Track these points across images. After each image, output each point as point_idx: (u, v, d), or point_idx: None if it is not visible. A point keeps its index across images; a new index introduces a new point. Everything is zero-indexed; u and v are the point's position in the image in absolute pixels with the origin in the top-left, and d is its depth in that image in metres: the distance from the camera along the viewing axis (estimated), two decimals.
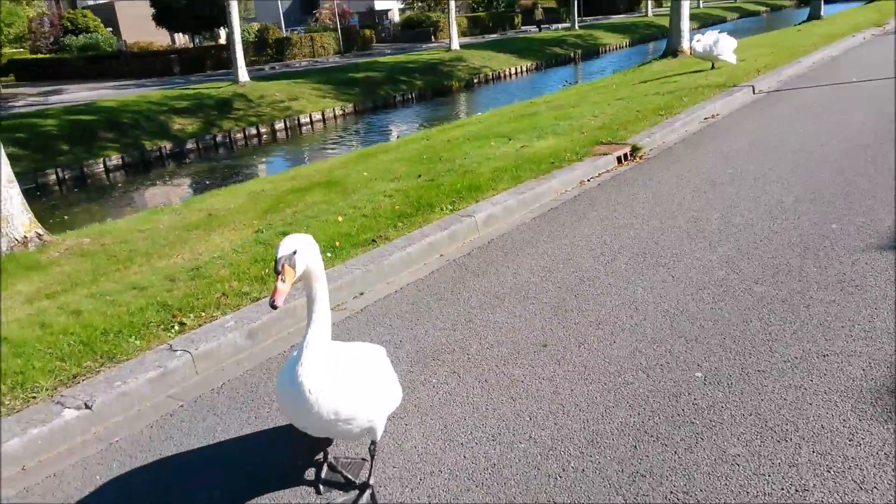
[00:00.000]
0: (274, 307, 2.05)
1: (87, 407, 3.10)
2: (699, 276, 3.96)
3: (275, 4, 54.41)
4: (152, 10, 37.71)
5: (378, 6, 58.00)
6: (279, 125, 22.68)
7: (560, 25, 50.98)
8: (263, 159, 19.09)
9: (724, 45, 12.18)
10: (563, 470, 2.43)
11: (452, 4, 34.54)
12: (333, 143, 19.89)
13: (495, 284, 4.26)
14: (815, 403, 2.61)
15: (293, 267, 2.08)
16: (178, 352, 3.52)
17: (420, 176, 6.92)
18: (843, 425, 2.46)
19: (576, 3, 44.20)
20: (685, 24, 16.01)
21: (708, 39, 12.23)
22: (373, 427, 2.33)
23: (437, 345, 3.54)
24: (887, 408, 2.53)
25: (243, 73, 25.02)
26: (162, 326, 3.82)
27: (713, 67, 12.49)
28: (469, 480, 2.44)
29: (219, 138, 21.20)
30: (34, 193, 16.26)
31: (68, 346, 3.62)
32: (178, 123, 21.13)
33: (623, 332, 3.41)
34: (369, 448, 2.51)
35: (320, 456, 2.64)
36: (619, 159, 7.09)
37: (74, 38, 42.12)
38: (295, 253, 2.09)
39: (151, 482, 2.67)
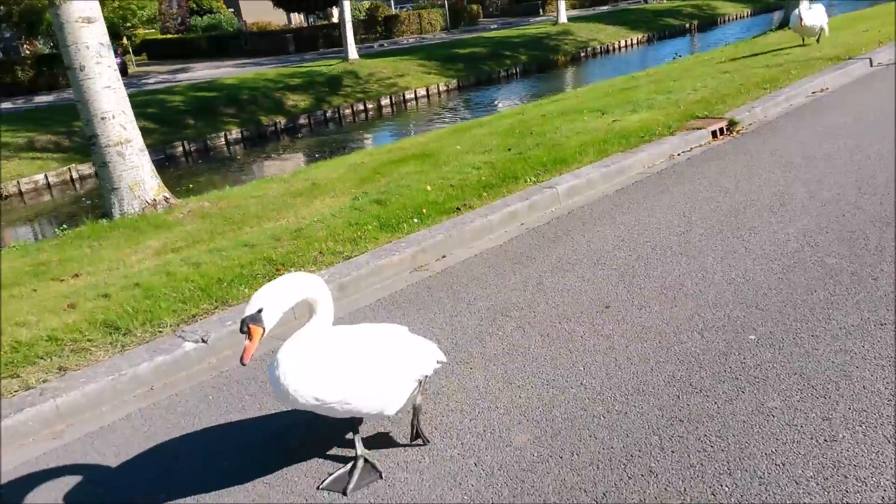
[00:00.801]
0: (242, 364, 2.08)
1: (203, 341, 3.63)
2: (772, 248, 4.00)
3: None
4: None
5: None
6: (385, 101, 23.39)
7: None
8: (369, 134, 19.81)
9: (824, 17, 11.58)
10: (607, 412, 2.66)
11: None
12: (436, 118, 20.32)
13: (569, 251, 4.46)
14: (862, 367, 2.69)
15: (259, 324, 2.07)
16: None
17: (510, 149, 7.15)
18: (886, 387, 2.54)
19: None
20: None
21: (817, 11, 11.57)
22: (384, 411, 2.37)
23: (508, 303, 3.81)
24: None
25: (353, 51, 25.90)
26: (266, 278, 4.32)
27: (818, 41, 11.81)
28: (521, 415, 2.73)
29: (328, 114, 22.18)
30: (164, 164, 17.76)
31: (189, 291, 4.19)
32: (292, 100, 22.28)
33: (685, 297, 3.55)
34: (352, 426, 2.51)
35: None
36: (713, 134, 7.00)
37: (199, 18, 44.83)
38: (260, 311, 2.07)
39: (256, 404, 3.14)
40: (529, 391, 2.90)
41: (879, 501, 2.03)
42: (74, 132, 18.23)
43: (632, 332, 3.26)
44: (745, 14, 40.03)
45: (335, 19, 48.14)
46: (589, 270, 4.09)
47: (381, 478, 2.47)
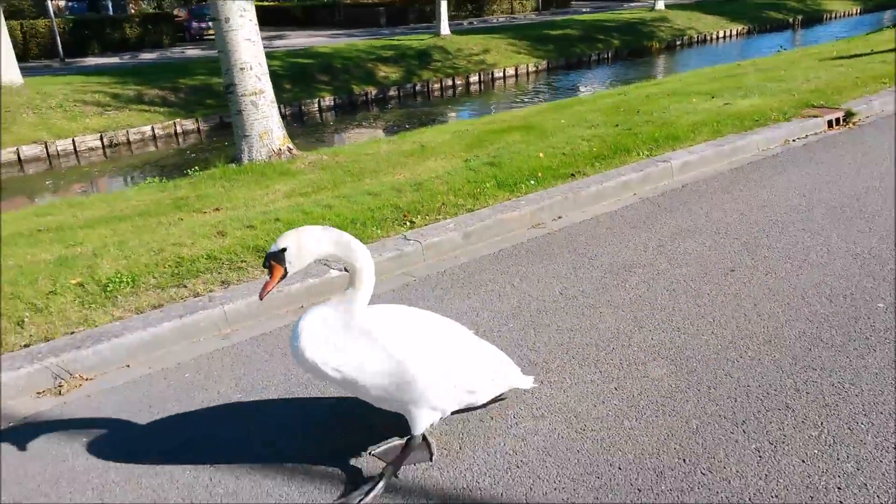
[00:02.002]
0: (260, 298, 2.07)
1: (345, 270, 3.96)
2: (887, 233, 4.03)
3: None
4: None
5: None
6: (473, 78, 23.53)
7: None
8: (458, 108, 20.02)
9: None
10: (741, 357, 2.83)
11: None
12: (525, 97, 20.35)
13: (687, 220, 4.59)
14: None
15: (281, 263, 2.03)
16: (412, 241, 4.30)
17: (617, 125, 7.24)
18: None
19: None
20: None
21: None
22: (411, 409, 2.19)
23: (630, 261, 3.99)
24: None
25: (444, 27, 26.10)
26: (396, 222, 4.63)
27: None
28: (655, 354, 2.93)
29: (418, 87, 22.52)
30: None
31: None
32: (383, 71, 22.70)
33: (812, 267, 3.65)
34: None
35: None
36: (829, 123, 6.90)
37: None
38: (284, 250, 2.03)
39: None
40: (661, 335, 3.09)
41: None
42: (179, 88, 19.21)
43: (759, 294, 3.40)
44: (855, 11, 38.08)
45: None
46: (710, 238, 4.22)
47: (432, 459, 2.39)
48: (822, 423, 2.36)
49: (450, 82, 23.10)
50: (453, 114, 19.05)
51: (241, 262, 4.13)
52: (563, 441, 2.42)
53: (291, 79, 20.96)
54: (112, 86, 18.42)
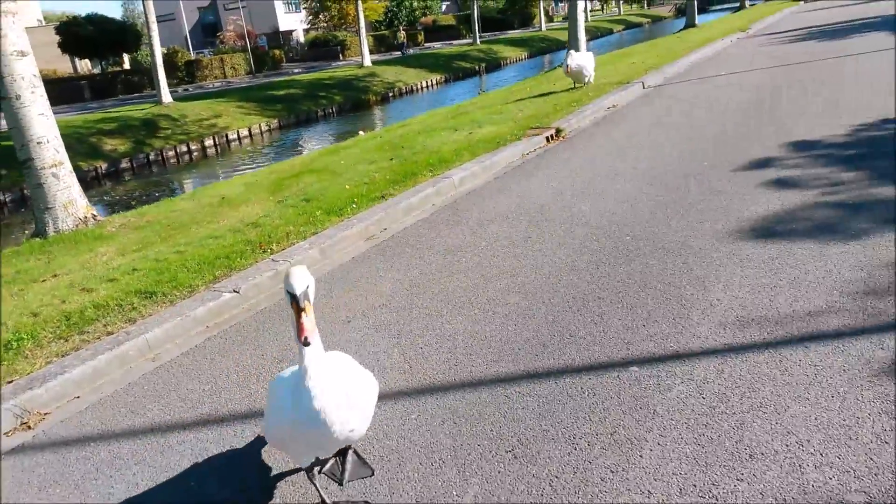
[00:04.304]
0: (307, 344, 2.08)
1: (236, 291, 4.60)
2: (622, 195, 5.87)
3: (177, 28, 54.26)
4: (58, 38, 37.32)
5: (282, 27, 58.92)
6: (209, 142, 23.61)
7: (461, 41, 53.62)
8: (203, 172, 20.00)
9: (590, 63, 12.88)
10: (543, 281, 4.20)
11: (362, 21, 36.25)
12: (270, 153, 21.04)
13: (483, 213, 6.01)
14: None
15: (309, 300, 2.12)
16: (280, 261, 5.05)
17: (392, 158, 8.58)
18: None
19: (476, 20, 46.93)
20: (581, 34, 18.36)
21: (580, 59, 12.72)
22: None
23: (457, 245, 5.24)
24: None
25: (166, 94, 25.71)
26: (257, 252, 5.32)
27: (585, 84, 12.71)
28: (506, 292, 4.17)
29: (151, 156, 21.98)
30: None
31: (195, 266, 5.06)
32: (109, 144, 21.68)
33: (578, 226, 5.24)
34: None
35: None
36: (547, 138, 9.02)
37: None
38: (308, 287, 2.12)
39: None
40: (503, 282, 4.35)
41: None
42: None
43: (549, 248, 4.86)
44: (523, 56, 45.51)
45: (127, 65, 46.31)
46: (504, 222, 5.67)
47: (373, 475, 2.65)
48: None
49: (185, 148, 22.91)
50: (204, 177, 18.97)
51: (130, 305, 4.50)
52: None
53: (5, 163, 19.06)
54: None
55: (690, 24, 31.63)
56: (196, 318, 4.32)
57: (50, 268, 5.90)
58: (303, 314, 2.08)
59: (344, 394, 2.20)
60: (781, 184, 5.59)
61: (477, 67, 39.81)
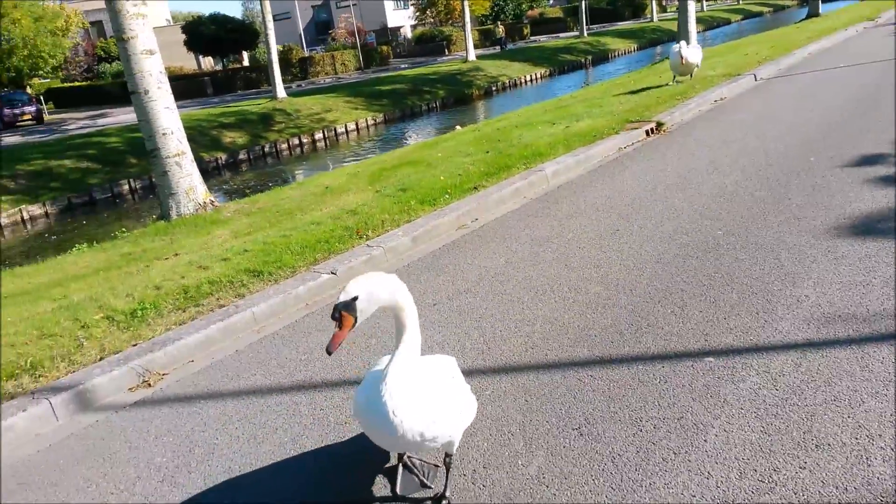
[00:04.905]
0: (328, 353, 2.02)
1: (333, 273, 4.93)
2: (716, 189, 5.76)
3: (292, 26, 56.77)
4: (183, 37, 40.06)
5: (390, 23, 60.33)
6: (318, 135, 24.70)
7: (568, 34, 52.92)
8: (315, 163, 20.94)
9: (698, 56, 12.62)
10: (628, 280, 4.23)
11: (468, 16, 36.54)
12: (375, 146, 21.75)
13: (572, 207, 6.07)
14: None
15: (352, 313, 2.02)
16: (374, 247, 5.35)
17: (488, 151, 8.75)
18: None
19: (584, 11, 46.17)
20: (692, 26, 17.75)
21: (688, 52, 12.30)
22: (451, 442, 2.32)
23: (544, 236, 5.34)
24: None
25: (280, 90, 27.04)
26: (353, 237, 5.65)
27: (691, 76, 12.58)
28: (587, 281, 4.24)
29: (266, 148, 23.25)
30: (114, 201, 18.30)
31: (298, 249, 5.45)
32: (229, 137, 23.15)
33: (667, 221, 5.21)
34: (444, 460, 2.48)
35: (394, 458, 2.73)
36: (647, 132, 8.89)
37: (108, 65, 44.46)
38: (355, 299, 2.02)
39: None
40: (586, 272, 4.42)
41: None
42: (18, 175, 18.47)
43: (637, 242, 4.86)
44: (633, 49, 44.29)
45: (246, 62, 48.98)
46: (593, 215, 5.71)
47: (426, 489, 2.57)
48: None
49: (297, 141, 24.07)
50: (312, 168, 19.92)
51: (240, 282, 4.93)
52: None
53: (136, 153, 20.79)
54: None
55: (813, 14, 29.68)
56: (297, 295, 4.68)
57: (172, 247, 6.51)
58: (336, 325, 2.04)
59: (414, 406, 2.12)
60: (890, 181, 5.30)
61: (583, 60, 39.21)
